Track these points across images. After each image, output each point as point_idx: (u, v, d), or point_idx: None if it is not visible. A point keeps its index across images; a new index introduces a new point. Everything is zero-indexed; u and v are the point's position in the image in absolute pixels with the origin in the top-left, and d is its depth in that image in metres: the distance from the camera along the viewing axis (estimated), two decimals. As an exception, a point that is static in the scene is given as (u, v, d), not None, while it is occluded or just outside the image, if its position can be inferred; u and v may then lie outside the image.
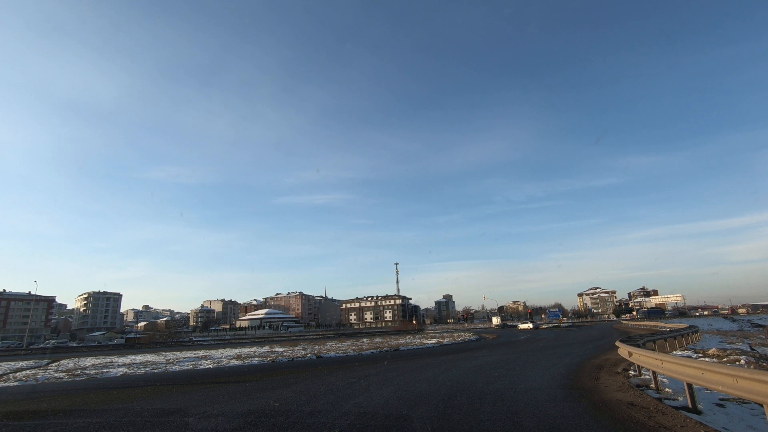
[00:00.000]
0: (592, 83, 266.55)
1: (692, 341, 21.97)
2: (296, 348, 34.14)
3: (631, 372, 12.05)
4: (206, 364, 21.63)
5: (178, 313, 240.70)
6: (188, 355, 31.11)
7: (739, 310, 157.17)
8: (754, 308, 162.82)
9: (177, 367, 20.36)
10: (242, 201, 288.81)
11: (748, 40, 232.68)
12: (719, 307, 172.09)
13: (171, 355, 31.02)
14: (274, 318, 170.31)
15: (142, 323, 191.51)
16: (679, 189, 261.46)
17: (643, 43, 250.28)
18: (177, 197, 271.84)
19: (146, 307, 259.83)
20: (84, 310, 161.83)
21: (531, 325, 68.16)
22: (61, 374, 18.73)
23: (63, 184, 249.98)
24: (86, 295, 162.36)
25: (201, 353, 32.74)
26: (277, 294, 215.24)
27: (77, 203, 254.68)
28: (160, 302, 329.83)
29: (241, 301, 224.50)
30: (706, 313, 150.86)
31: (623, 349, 11.90)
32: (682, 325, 29.31)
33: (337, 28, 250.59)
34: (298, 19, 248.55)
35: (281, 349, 32.97)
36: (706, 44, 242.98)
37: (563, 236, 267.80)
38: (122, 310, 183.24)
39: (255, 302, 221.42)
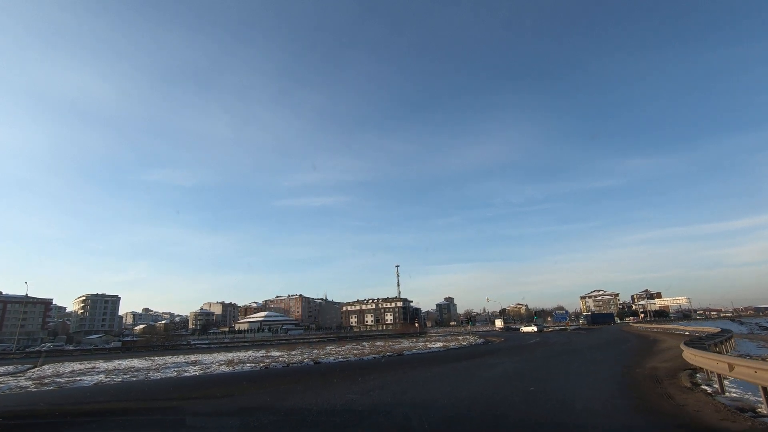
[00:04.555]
0: (589, 86, 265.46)
1: (732, 346, 19.94)
2: (293, 352, 32.22)
3: (705, 386, 9.93)
4: (193, 371, 19.74)
5: (177, 315, 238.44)
6: (178, 360, 29.21)
7: (743, 313, 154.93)
8: (757, 311, 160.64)
9: (160, 375, 18.46)
10: (241, 203, 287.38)
11: (745, 42, 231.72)
12: (722, 309, 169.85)
13: (160, 360, 29.11)
14: (274, 321, 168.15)
15: (141, 326, 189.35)
16: (678, 191, 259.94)
17: (640, 46, 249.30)
18: (176, 199, 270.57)
19: (146, 309, 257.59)
20: (82, 312, 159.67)
21: (535, 328, 65.81)
22: (30, 383, 16.85)
23: (61, 186, 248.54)
24: (84, 298, 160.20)
25: (192, 358, 30.84)
26: (277, 296, 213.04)
27: (75, 205, 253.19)
28: (160, 305, 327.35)
29: (240, 303, 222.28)
30: (713, 315, 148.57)
31: (695, 356, 9.89)
32: (708, 329, 27.29)
33: (335, 31, 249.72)
34: (296, 23, 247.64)
35: (278, 354, 31.05)
36: (703, 47, 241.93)
37: (563, 238, 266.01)
38: (121, 312, 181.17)
39: (255, 305, 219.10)
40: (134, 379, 17.19)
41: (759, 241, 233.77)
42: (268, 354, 31.44)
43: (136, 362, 28.06)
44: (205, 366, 22.22)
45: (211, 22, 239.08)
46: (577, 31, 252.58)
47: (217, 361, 25.38)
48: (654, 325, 59.95)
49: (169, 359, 30.20)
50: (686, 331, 37.14)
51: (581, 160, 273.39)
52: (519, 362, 18.02)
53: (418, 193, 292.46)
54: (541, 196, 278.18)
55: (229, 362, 24.13)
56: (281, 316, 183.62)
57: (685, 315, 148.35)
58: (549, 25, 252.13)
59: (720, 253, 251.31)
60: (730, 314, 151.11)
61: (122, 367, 24.02)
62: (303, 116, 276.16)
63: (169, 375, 18.29)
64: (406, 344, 38.92)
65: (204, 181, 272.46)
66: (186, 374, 18.38)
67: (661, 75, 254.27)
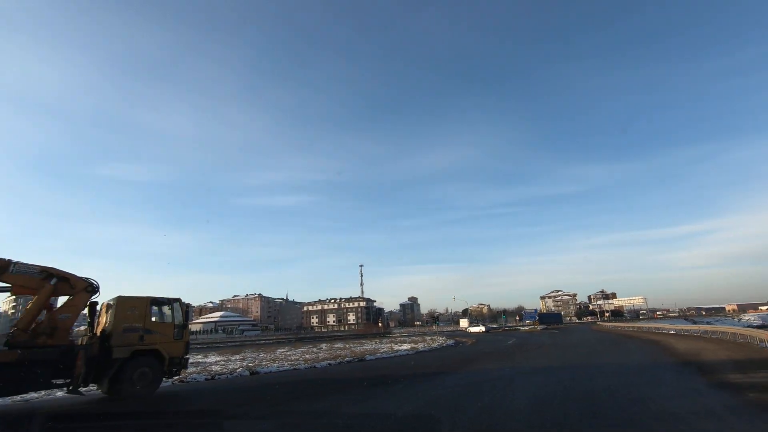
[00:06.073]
0: (550, 96, 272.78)
1: None
2: (235, 357, 26.93)
3: None
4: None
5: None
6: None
7: (687, 314, 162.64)
8: (698, 311, 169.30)
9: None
10: (202, 201, 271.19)
11: (695, 60, 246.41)
12: (669, 310, 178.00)
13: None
14: (230, 321, 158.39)
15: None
16: (632, 198, 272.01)
17: (599, 60, 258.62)
18: (131, 196, 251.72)
19: None
20: (13, 313, 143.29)
21: (483, 328, 68.94)
22: None
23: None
24: (14, 297, 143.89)
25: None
26: (235, 296, 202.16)
27: (16, 200, 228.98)
28: None
29: (195, 303, 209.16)
30: (659, 314, 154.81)
31: None
32: (713, 327, 24.70)
33: (304, 30, 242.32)
34: (264, 20, 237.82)
35: (213, 360, 25.68)
36: (656, 60, 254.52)
37: (524, 241, 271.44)
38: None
39: (211, 305, 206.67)
40: None
41: (702, 246, 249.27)
42: (205, 359, 26.07)
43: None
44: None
45: (171, 15, 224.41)
46: (539, 42, 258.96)
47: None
48: (626, 324, 58.77)
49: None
50: (671, 329, 35.24)
51: (542, 166, 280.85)
52: (533, 376, 13.95)
53: (384, 194, 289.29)
54: (504, 200, 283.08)
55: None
56: (237, 316, 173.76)
57: (636, 315, 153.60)
58: (513, 35, 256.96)
59: (669, 257, 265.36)
60: (676, 314, 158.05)
61: None
62: (270, 114, 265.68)
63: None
64: (369, 346, 34.49)
65: (163, 177, 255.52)
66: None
67: (617, 88, 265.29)
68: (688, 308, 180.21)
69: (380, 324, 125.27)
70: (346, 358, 22.81)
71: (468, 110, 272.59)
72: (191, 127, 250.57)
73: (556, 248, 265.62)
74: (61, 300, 12.03)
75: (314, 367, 19.69)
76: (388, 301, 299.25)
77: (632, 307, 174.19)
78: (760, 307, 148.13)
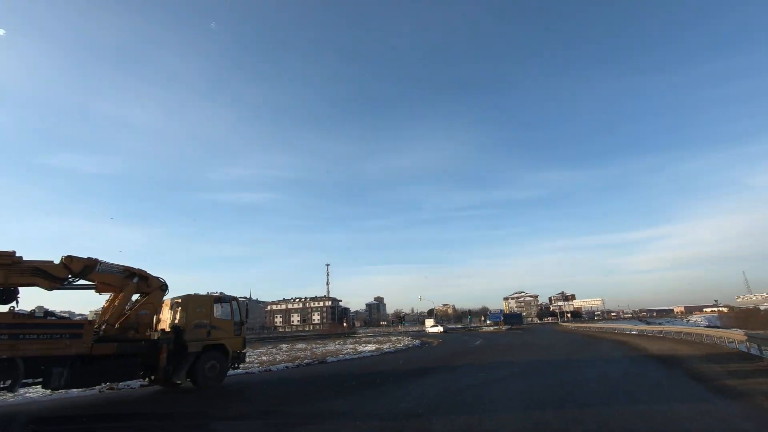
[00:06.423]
0: (518, 102, 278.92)
1: None
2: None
3: None
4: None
5: (80, 315, 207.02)
6: None
7: (639, 315, 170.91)
8: (649, 312, 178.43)
9: None
10: (162, 196, 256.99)
11: (646, 73, 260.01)
12: (623, 311, 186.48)
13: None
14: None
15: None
16: (591, 203, 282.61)
17: (564, 72, 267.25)
18: (86, 188, 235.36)
19: (41, 308, 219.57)
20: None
21: (441, 329, 70.01)
22: None
23: None
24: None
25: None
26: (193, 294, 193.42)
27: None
28: (61, 304, 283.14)
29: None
30: (628, 315, 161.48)
31: None
32: (672, 327, 24.84)
33: (274, 26, 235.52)
34: (231, 12, 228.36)
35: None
36: (617, 76, 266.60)
37: (489, 243, 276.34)
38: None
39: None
40: None
41: (654, 251, 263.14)
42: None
43: None
44: None
45: (133, 5, 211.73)
46: (509, 52, 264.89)
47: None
48: (587, 325, 60.05)
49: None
50: (633, 330, 35.80)
51: (509, 171, 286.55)
52: (524, 381, 12.84)
53: (353, 194, 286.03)
54: (471, 202, 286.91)
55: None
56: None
57: (591, 316, 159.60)
58: (484, 43, 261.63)
59: (624, 261, 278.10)
60: (629, 315, 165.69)
61: None
62: (236, 108, 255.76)
63: None
64: (332, 347, 32.91)
65: (120, 170, 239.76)
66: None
67: (581, 97, 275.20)
68: (640, 310, 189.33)
69: (345, 324, 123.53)
70: (306, 360, 21.28)
71: (439, 114, 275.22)
72: (152, 118, 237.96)
73: (520, 251, 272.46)
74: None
75: (269, 369, 17.99)
76: (355, 301, 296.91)
77: (590, 309, 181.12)
78: (704, 309, 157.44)
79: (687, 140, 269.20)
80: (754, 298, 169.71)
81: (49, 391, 10.58)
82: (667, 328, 30.37)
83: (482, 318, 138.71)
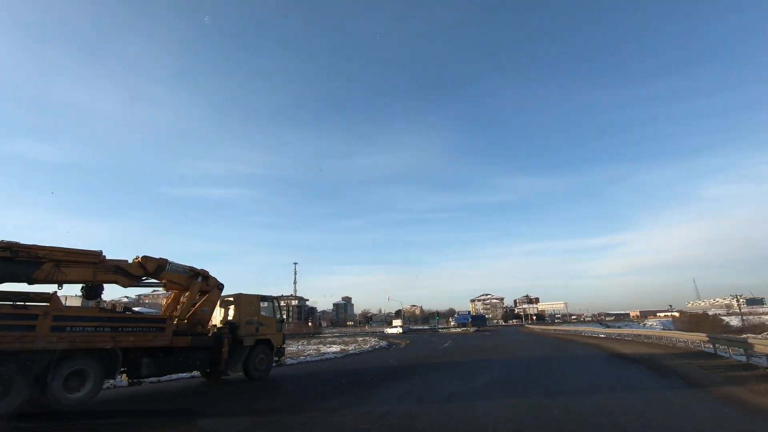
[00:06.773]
0: (490, 109, 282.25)
1: None
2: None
3: None
4: None
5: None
6: None
7: (598, 318, 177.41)
8: (607, 316, 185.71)
9: None
10: (127, 188, 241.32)
11: (614, 87, 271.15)
12: (583, 314, 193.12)
13: None
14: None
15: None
16: (557, 210, 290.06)
17: (536, 79, 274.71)
18: (42, 178, 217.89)
19: (120, 303, 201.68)
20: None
21: (401, 330, 71.09)
22: None
23: None
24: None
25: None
26: (155, 291, 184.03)
27: None
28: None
29: (108, 298, 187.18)
30: (588, 319, 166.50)
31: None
32: (649, 332, 24.59)
33: (250, 17, 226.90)
34: (201, 6, 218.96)
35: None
36: (593, 87, 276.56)
37: (458, 246, 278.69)
38: None
39: (126, 299, 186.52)
40: None
41: (615, 257, 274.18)
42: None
43: None
44: None
45: None
46: (486, 55, 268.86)
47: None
48: (552, 327, 60.41)
49: None
50: (601, 333, 35.80)
51: (481, 175, 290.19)
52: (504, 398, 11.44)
53: (324, 192, 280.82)
54: (442, 205, 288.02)
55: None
56: (156, 313, 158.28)
57: (555, 319, 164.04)
58: (460, 46, 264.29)
59: (586, 266, 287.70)
60: (590, 318, 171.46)
61: None
62: (207, 100, 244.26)
63: None
64: (294, 348, 30.99)
65: (80, 159, 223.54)
66: None
67: (552, 109, 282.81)
68: (599, 313, 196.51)
69: (311, 323, 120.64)
70: (262, 363, 19.18)
71: (414, 116, 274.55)
72: (117, 105, 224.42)
73: (487, 254, 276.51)
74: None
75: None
76: (323, 300, 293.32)
77: (553, 312, 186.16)
78: (658, 314, 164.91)
79: (648, 153, 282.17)
80: (702, 303, 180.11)
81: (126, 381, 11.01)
82: (636, 331, 30.45)
83: (448, 320, 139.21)
